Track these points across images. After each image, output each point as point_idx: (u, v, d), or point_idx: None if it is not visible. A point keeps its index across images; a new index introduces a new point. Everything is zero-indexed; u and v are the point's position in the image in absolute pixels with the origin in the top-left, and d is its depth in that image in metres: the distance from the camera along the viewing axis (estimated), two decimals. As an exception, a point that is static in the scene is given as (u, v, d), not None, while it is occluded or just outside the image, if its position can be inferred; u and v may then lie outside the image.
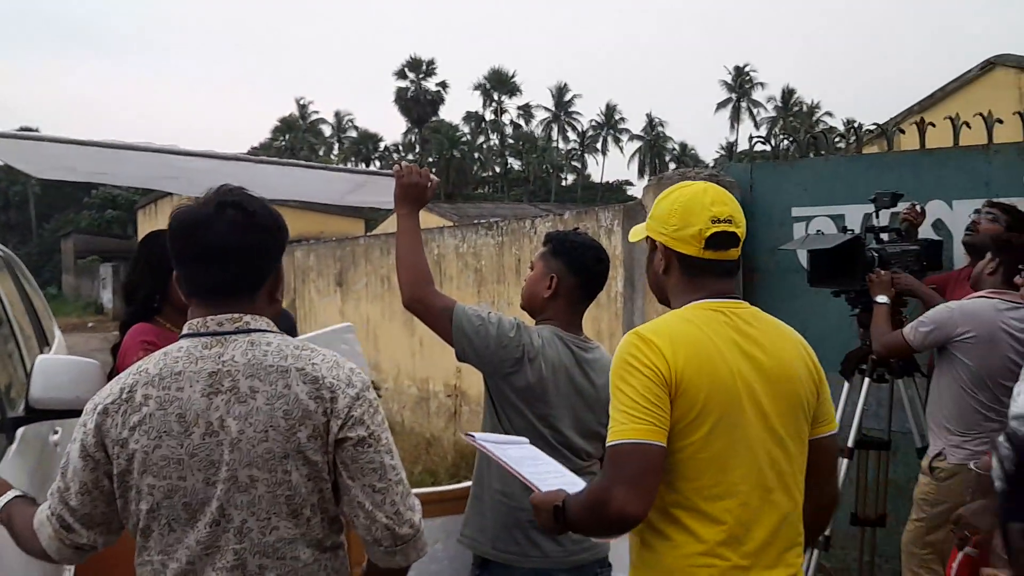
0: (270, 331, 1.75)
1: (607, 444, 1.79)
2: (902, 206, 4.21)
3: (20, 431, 2.88)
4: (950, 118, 4.78)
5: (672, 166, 75.69)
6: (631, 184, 77.90)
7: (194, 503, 1.65)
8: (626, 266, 5.92)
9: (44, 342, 4.50)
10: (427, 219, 19.77)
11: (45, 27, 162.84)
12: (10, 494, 1.90)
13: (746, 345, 1.87)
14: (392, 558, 1.73)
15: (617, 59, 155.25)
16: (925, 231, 4.39)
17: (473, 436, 2.15)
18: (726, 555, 1.79)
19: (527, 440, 2.27)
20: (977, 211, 4.04)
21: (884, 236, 4.14)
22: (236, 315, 1.72)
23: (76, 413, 2.86)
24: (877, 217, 4.22)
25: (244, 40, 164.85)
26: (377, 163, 69.47)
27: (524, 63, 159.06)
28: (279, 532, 1.66)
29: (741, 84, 75.63)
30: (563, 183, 76.02)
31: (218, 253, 1.70)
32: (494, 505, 2.50)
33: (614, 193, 70.67)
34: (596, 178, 79.53)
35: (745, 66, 76.00)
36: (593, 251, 2.63)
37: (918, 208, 4.29)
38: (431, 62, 75.23)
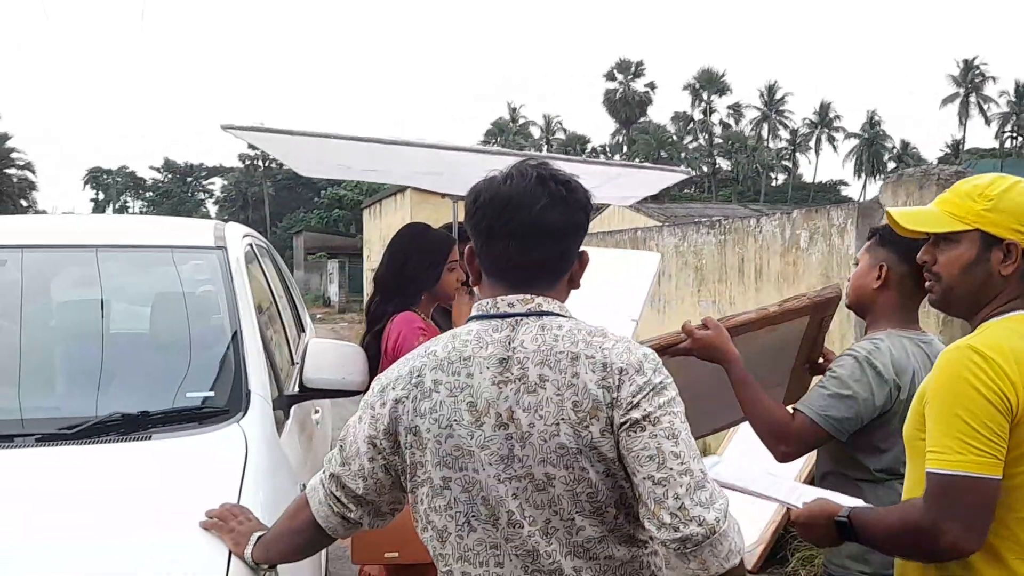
0: (562, 315, 1.62)
1: (932, 469, 1.65)
2: None
3: (293, 408, 3.13)
4: None
5: (891, 165, 71.47)
6: (846, 184, 74.44)
7: (491, 499, 1.55)
8: (861, 267, 5.64)
9: (301, 328, 4.85)
10: (635, 219, 19.63)
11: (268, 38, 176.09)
12: (255, 536, 1.90)
13: None
14: (685, 564, 1.46)
15: (832, 55, 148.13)
16: None
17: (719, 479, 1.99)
18: None
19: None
20: None
21: None
22: (528, 296, 1.61)
23: (340, 393, 3.13)
24: None
25: (458, 44, 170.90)
26: (583, 164, 70.45)
27: (734, 62, 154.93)
28: (586, 532, 1.53)
29: (970, 79, 70.17)
30: (773, 183, 73.57)
31: (538, 229, 1.59)
32: None
33: (827, 193, 67.64)
34: (808, 178, 76.37)
35: (974, 59, 70.58)
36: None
37: None
38: (640, 63, 75.18)
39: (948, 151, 68.22)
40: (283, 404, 2.98)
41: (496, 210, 1.61)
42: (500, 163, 2.40)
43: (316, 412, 3.88)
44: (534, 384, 1.53)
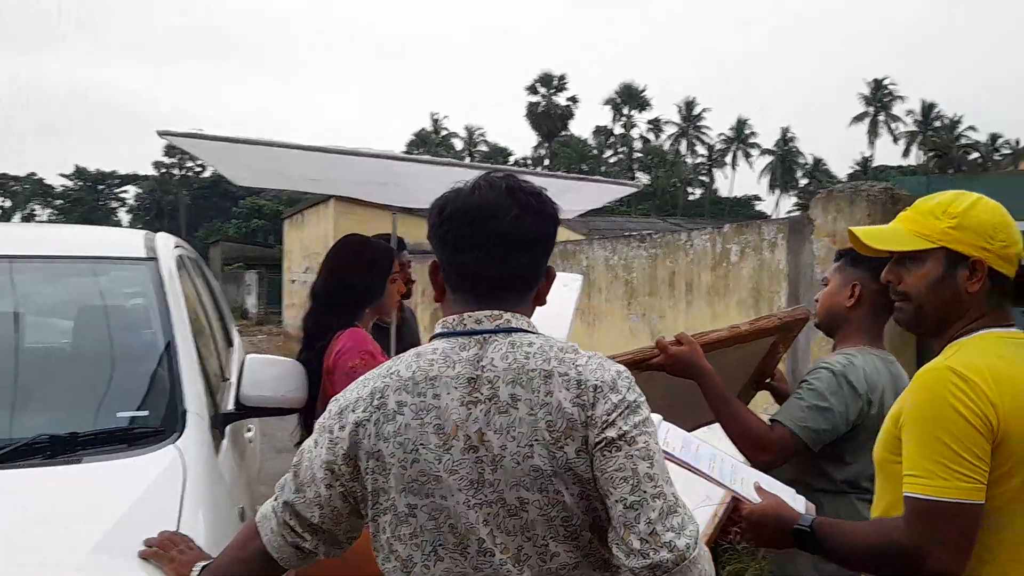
0: (531, 331, 1.56)
1: (913, 494, 1.63)
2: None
3: (228, 427, 3.00)
4: None
5: (803, 181, 73.87)
6: (760, 199, 76.51)
7: (460, 527, 1.47)
8: (791, 281, 5.74)
9: (229, 342, 4.69)
10: (560, 232, 19.76)
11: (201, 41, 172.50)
12: (199, 566, 1.76)
13: None
14: None
15: (748, 72, 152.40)
16: None
17: (670, 453, 1.93)
18: None
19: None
20: None
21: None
22: (496, 312, 1.54)
23: (278, 411, 3.01)
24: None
25: (378, 56, 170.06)
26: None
27: (654, 77, 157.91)
28: (560, 558, 1.47)
29: (879, 98, 73.16)
30: (690, 197, 75.27)
31: (509, 240, 1.54)
32: None
33: (742, 208, 69.51)
34: (724, 192, 78.36)
35: (884, 79, 73.58)
36: None
37: None
38: (562, 77, 76.06)
39: (858, 168, 70.86)
40: (219, 423, 2.86)
41: (465, 221, 1.55)
42: (449, 175, 2.34)
43: (249, 430, 3.74)
44: (506, 404, 1.46)
